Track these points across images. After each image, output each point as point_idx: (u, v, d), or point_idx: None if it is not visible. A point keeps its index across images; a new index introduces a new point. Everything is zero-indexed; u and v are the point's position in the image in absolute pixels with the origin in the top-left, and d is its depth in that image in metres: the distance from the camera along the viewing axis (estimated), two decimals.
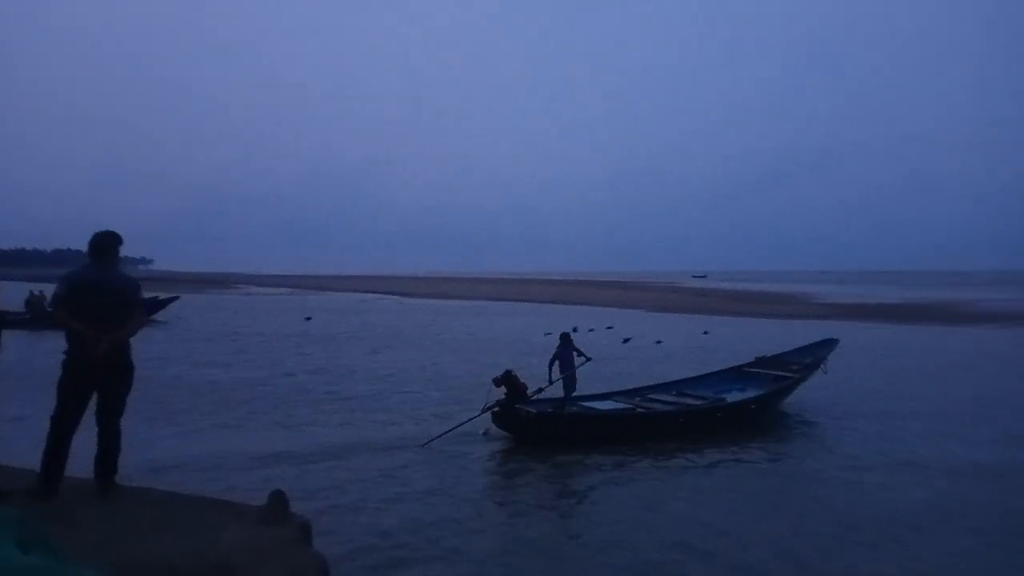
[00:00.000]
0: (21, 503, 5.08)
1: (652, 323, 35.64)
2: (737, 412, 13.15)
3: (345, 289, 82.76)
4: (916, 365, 20.91)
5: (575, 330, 27.51)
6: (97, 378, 5.78)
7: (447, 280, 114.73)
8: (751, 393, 14.07)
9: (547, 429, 11.95)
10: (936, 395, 16.27)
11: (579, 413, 12.58)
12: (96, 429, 5.93)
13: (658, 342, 26.26)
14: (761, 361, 16.01)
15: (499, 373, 12.36)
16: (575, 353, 13.11)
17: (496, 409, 11.87)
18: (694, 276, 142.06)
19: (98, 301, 5.72)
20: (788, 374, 14.95)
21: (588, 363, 13.18)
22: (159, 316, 35.90)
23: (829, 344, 16.30)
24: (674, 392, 14.24)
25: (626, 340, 26.73)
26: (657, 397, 13.83)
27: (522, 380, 12.23)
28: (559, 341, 13.35)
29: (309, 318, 36.85)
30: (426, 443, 11.40)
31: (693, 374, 15.90)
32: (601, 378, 16.25)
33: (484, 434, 12.06)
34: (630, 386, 14.66)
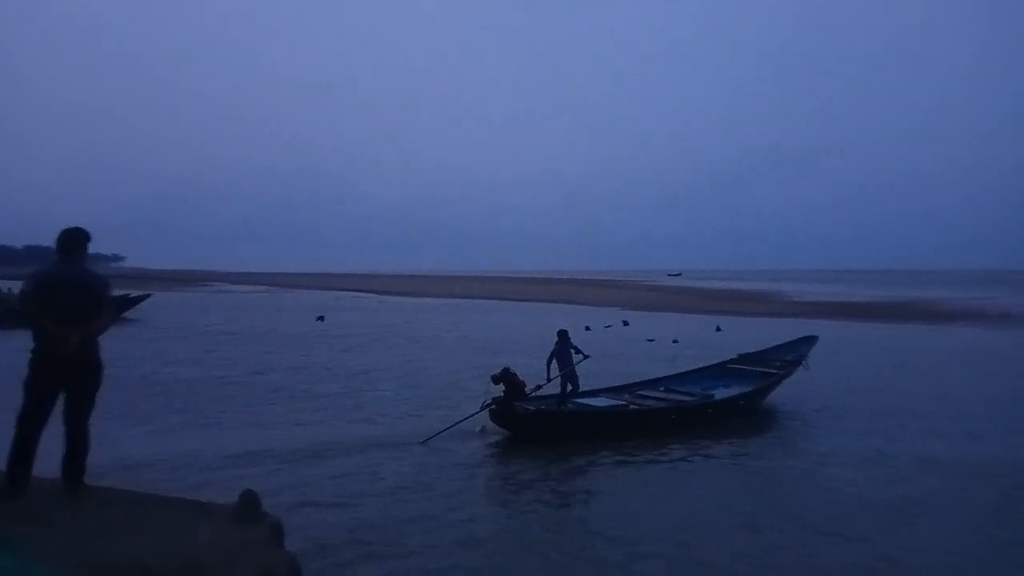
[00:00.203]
0: None
1: (647, 322, 35.64)
2: (726, 408, 13.40)
3: (322, 287, 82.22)
4: (888, 362, 21.18)
5: (588, 328, 27.90)
6: (65, 376, 5.69)
7: (425, 278, 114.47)
8: (737, 389, 14.33)
9: (544, 426, 12.05)
10: (904, 391, 16.51)
11: (576, 410, 12.70)
12: (64, 428, 5.83)
13: (675, 341, 26.07)
14: (744, 358, 16.25)
15: (497, 371, 12.45)
16: (573, 351, 13.22)
17: (493, 406, 11.95)
18: (669, 275, 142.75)
19: (66, 298, 5.63)
20: (771, 370, 15.25)
21: (586, 360, 13.35)
22: (130, 314, 35.44)
23: (809, 341, 16.65)
24: (661, 388, 14.46)
25: (650, 340, 26.42)
26: (646, 393, 14.04)
27: (520, 378, 12.33)
28: (557, 338, 13.43)
29: (321, 318, 36.00)
30: (425, 440, 11.43)
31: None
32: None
33: (481, 431, 12.12)
34: (618, 383, 14.80)
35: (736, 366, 15.90)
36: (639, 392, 14.13)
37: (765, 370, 15.37)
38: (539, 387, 12.75)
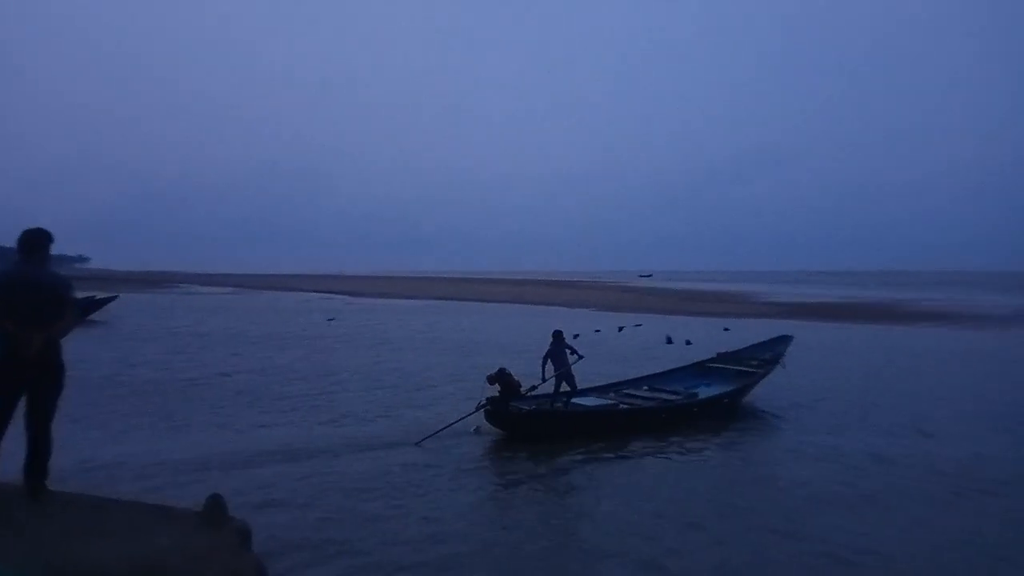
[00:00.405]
0: None
1: (649, 323, 35.75)
2: (711, 406, 13.69)
3: (292, 288, 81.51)
4: (855, 363, 21.51)
5: (597, 331, 27.93)
6: (27, 378, 5.59)
7: (397, 279, 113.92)
8: (720, 388, 14.63)
9: (538, 426, 12.12)
10: (868, 391, 16.82)
11: (569, 410, 12.81)
12: (26, 431, 5.73)
13: (688, 343, 25.86)
14: (722, 357, 16.61)
15: (493, 371, 12.52)
16: (568, 351, 13.28)
17: (488, 407, 12.01)
18: (640, 276, 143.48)
19: (28, 299, 5.55)
20: (750, 369, 15.62)
21: (580, 360, 13.48)
22: (96, 316, 34.91)
23: (785, 340, 17.06)
24: (645, 387, 14.73)
25: (669, 342, 26.20)
26: (632, 392, 14.31)
27: (516, 378, 12.41)
28: (551, 339, 13.49)
29: (332, 319, 35.56)
30: (419, 441, 11.42)
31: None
32: None
33: (475, 431, 12.16)
34: (602, 382, 14.92)
35: (715, 365, 16.21)
36: (625, 391, 14.35)
37: (743, 368, 15.72)
38: (534, 387, 12.86)
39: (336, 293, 71.33)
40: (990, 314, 44.29)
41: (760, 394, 15.39)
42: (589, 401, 13.32)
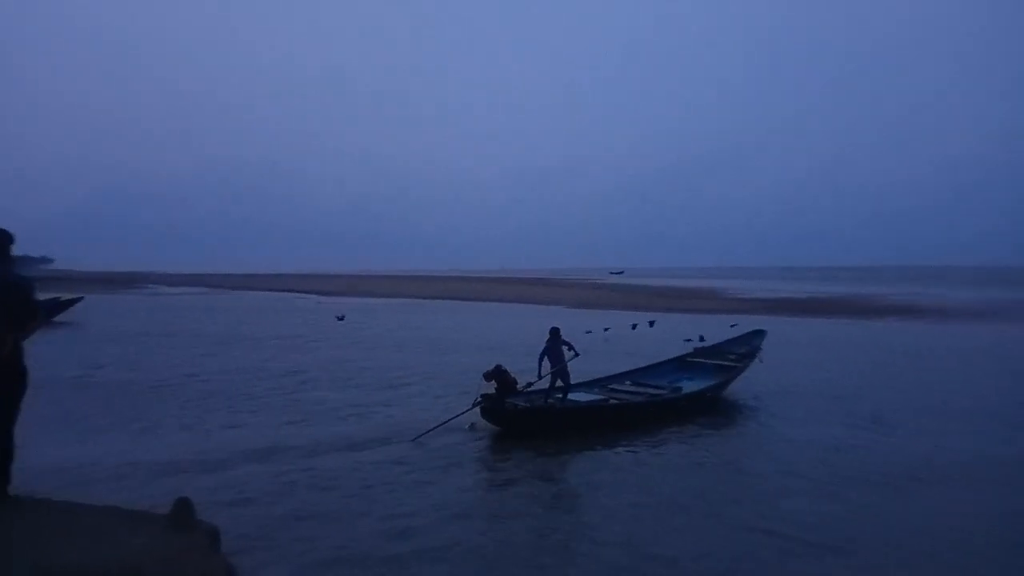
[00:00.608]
0: None
1: (641, 320, 35.85)
2: (697, 400, 14.12)
3: (261, 288, 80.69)
4: (824, 356, 21.82)
5: (607, 330, 27.83)
6: None
7: (367, 278, 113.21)
8: (703, 382, 15.08)
9: (533, 422, 12.27)
10: (834, 383, 17.15)
11: (564, 406, 12.94)
12: None
13: (701, 339, 25.96)
14: (700, 351, 17.17)
15: (490, 367, 12.61)
16: (565, 348, 13.38)
17: (483, 403, 12.14)
18: (612, 272, 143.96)
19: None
20: (727, 363, 16.10)
21: (576, 357, 13.53)
22: (61, 317, 34.32)
23: (759, 335, 17.65)
24: (628, 382, 15.07)
25: (688, 340, 26.04)
26: (616, 387, 14.63)
27: (512, 375, 12.51)
28: (548, 336, 13.55)
29: (341, 317, 34.96)
30: (415, 438, 11.50)
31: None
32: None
33: (470, 428, 12.22)
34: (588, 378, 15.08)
35: (694, 359, 16.65)
36: (610, 386, 14.66)
37: (721, 363, 16.19)
38: (530, 384, 12.98)
39: (308, 292, 70.76)
40: (955, 308, 45.13)
41: (735, 388, 15.65)
42: (578, 396, 13.49)
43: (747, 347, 16.98)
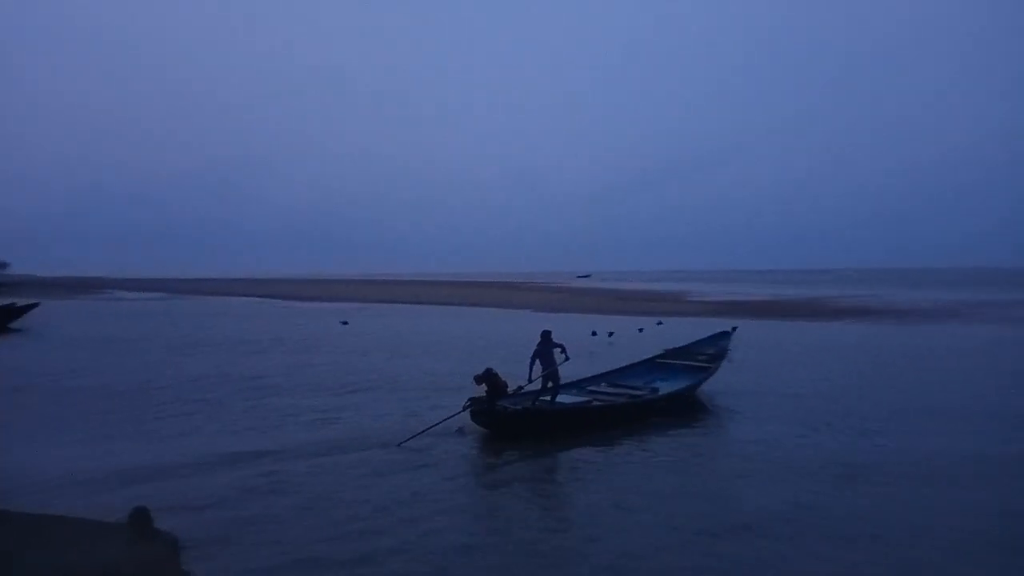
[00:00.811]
0: None
1: (636, 322, 36.01)
2: (675, 400, 14.50)
3: (224, 293, 79.74)
4: (783, 357, 22.14)
5: (611, 334, 27.75)
6: None
7: (331, 282, 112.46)
8: (677, 382, 15.54)
9: (523, 425, 12.27)
10: (789, 382, 17.35)
11: (552, 408, 13.02)
12: None
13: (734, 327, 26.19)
14: (669, 352, 17.58)
15: (480, 371, 12.63)
16: (556, 350, 13.46)
17: (473, 407, 12.19)
18: (578, 276, 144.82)
19: None
20: (697, 363, 16.65)
21: (567, 361, 13.68)
22: (16, 324, 33.63)
23: (725, 336, 18.29)
24: (603, 384, 15.39)
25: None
26: (594, 388, 14.92)
27: (503, 378, 12.56)
28: (539, 339, 13.62)
29: (345, 322, 34.89)
30: (401, 443, 11.50)
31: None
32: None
33: (458, 431, 12.24)
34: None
35: (665, 360, 17.16)
36: (589, 388, 14.96)
37: (691, 363, 16.72)
38: (521, 388, 13.06)
39: (269, 297, 70.09)
40: (909, 309, 46.16)
41: (703, 388, 16.00)
42: (560, 398, 13.60)
43: (715, 348, 17.55)
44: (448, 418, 12.24)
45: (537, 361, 13.37)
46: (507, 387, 12.63)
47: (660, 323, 33.58)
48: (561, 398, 13.61)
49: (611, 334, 28.01)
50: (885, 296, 62.13)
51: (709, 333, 18.99)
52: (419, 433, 11.80)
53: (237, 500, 8.84)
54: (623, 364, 17.13)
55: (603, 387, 15.11)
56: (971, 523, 8.26)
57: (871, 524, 8.18)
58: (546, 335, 13.64)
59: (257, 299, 67.26)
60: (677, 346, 18.17)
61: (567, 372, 14.75)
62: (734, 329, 23.41)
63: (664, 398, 14.35)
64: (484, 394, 12.35)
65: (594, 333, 28.10)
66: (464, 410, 12.27)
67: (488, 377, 12.42)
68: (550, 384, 13.48)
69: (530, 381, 13.24)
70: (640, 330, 29.31)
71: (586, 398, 14.05)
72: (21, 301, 36.45)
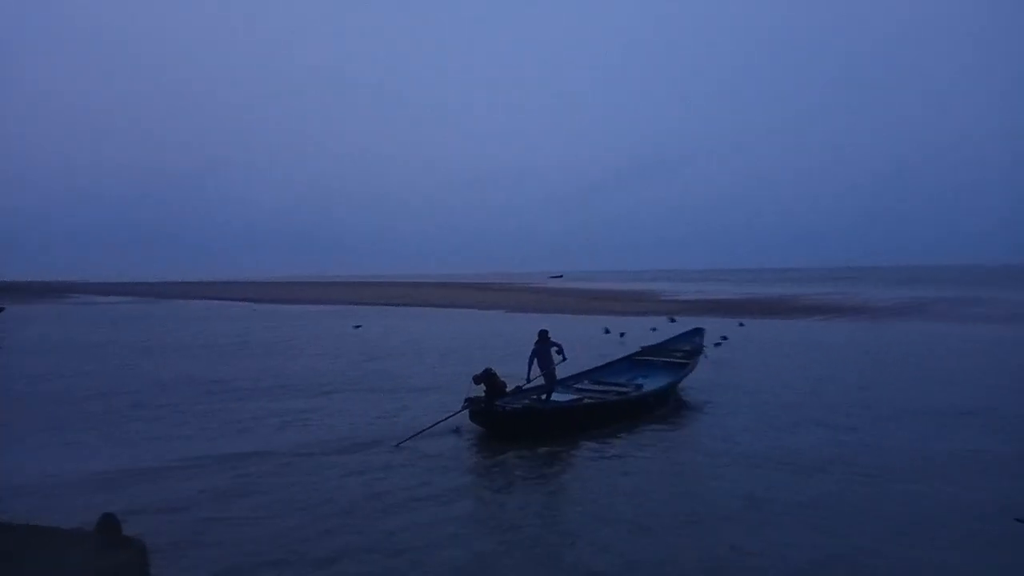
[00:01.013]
0: None
1: (655, 322, 36.03)
2: (662, 396, 14.76)
3: (193, 296, 78.80)
4: (750, 354, 22.40)
5: (622, 335, 27.71)
6: None
7: (300, 284, 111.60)
8: (660, 378, 15.87)
9: (522, 424, 12.31)
10: (760, 380, 17.54)
11: (551, 407, 13.09)
12: None
13: (724, 338, 26.43)
14: (647, 350, 18.04)
15: (479, 371, 12.68)
16: (553, 350, 13.56)
17: (472, 407, 12.26)
18: (551, 277, 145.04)
19: None
20: (676, 360, 17.12)
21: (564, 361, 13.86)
22: None
23: (699, 332, 18.85)
24: (586, 381, 15.58)
25: (718, 343, 25.53)
26: (581, 386, 15.06)
27: (501, 378, 12.65)
28: (537, 338, 13.71)
29: (359, 326, 34.52)
30: (399, 443, 11.55)
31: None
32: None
33: (455, 431, 12.29)
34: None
35: (643, 357, 17.52)
36: (575, 386, 15.11)
37: (669, 360, 17.17)
38: (519, 388, 13.18)
39: (239, 300, 69.40)
40: (878, 307, 46.88)
41: (682, 384, 16.27)
42: (555, 396, 13.67)
43: (690, 344, 18.02)
44: (447, 418, 12.33)
45: (535, 361, 13.56)
46: (506, 387, 12.76)
47: (673, 320, 33.64)
48: (554, 395, 13.69)
49: (623, 334, 28.10)
50: (856, 294, 62.98)
51: (701, 331, 19.20)
52: (417, 433, 11.89)
53: (207, 504, 8.77)
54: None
55: (588, 384, 15.25)
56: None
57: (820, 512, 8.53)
58: (543, 335, 13.77)
59: (228, 302, 66.54)
60: (653, 343, 18.47)
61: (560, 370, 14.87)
62: (741, 325, 23.78)
63: (652, 395, 14.56)
64: (481, 394, 12.45)
65: (607, 331, 28.34)
66: (463, 410, 12.36)
67: (487, 377, 12.52)
68: (554, 386, 13.66)
69: (528, 381, 13.41)
70: (653, 329, 29.17)
71: (574, 396, 14.12)
72: None
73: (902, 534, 7.92)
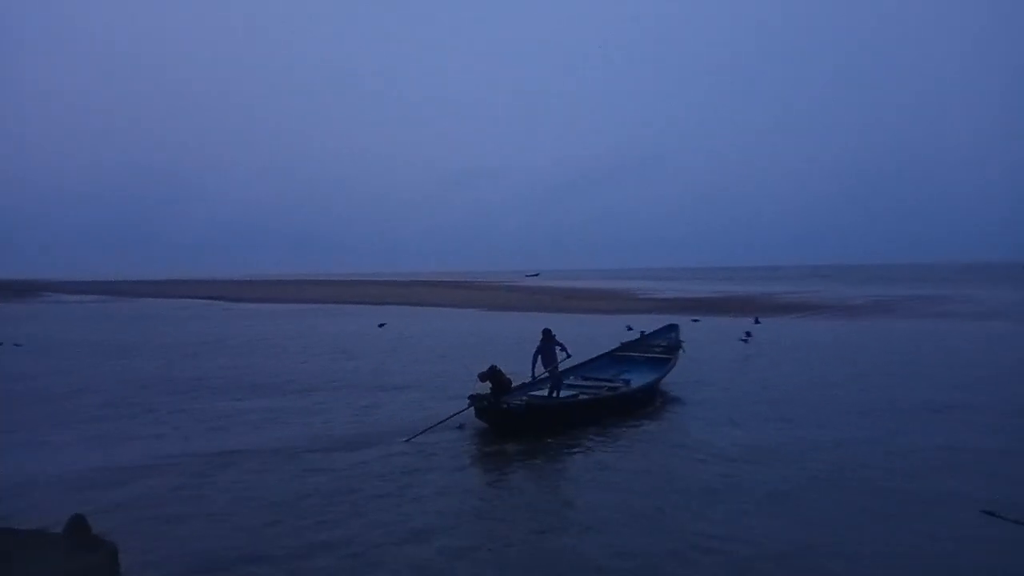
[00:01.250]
0: None
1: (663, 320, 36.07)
2: (650, 391, 15.19)
3: (166, 295, 77.94)
4: (725, 351, 22.56)
5: (642, 333, 27.43)
6: None
7: (277, 283, 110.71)
8: (645, 372, 16.35)
9: (527, 420, 12.42)
10: (733, 377, 17.86)
11: (555, 404, 13.28)
12: None
13: (747, 334, 26.50)
14: (626, 346, 18.46)
15: (484, 368, 12.78)
16: (557, 348, 13.67)
17: (477, 403, 12.38)
18: (527, 275, 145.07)
19: None
20: (655, 355, 17.58)
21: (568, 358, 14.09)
22: None
23: (674, 328, 19.40)
24: (572, 377, 15.69)
25: (744, 339, 25.75)
26: (570, 383, 15.12)
27: (507, 376, 12.76)
28: (541, 336, 13.83)
29: (383, 324, 33.92)
30: (409, 439, 11.70)
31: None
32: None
33: (459, 427, 12.44)
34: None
35: (623, 353, 17.91)
36: (564, 382, 14.96)
37: (648, 355, 17.63)
38: (524, 384, 13.41)
39: (214, 298, 68.73)
40: (851, 305, 47.42)
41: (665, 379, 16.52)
42: (542, 392, 13.74)
43: (666, 340, 18.52)
44: (455, 414, 12.52)
45: (539, 359, 13.72)
46: (511, 384, 12.91)
47: (696, 320, 33.45)
48: (542, 392, 13.78)
49: (643, 333, 28.06)
50: (830, 292, 63.64)
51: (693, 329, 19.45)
52: (427, 429, 12.04)
53: (179, 502, 8.70)
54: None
55: (576, 380, 15.40)
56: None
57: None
58: (547, 333, 13.93)
59: (202, 300, 65.89)
60: (631, 339, 18.88)
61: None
62: (757, 322, 23.82)
63: (642, 389, 14.93)
64: (486, 391, 12.56)
65: (629, 328, 28.23)
66: (469, 407, 12.51)
67: (493, 374, 12.65)
68: (560, 383, 13.79)
69: (533, 379, 13.67)
70: (628, 328, 29.26)
71: (568, 392, 14.20)
72: None
73: (873, 525, 8.04)
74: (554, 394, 13.50)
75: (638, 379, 15.76)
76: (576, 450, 11.51)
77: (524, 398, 13.22)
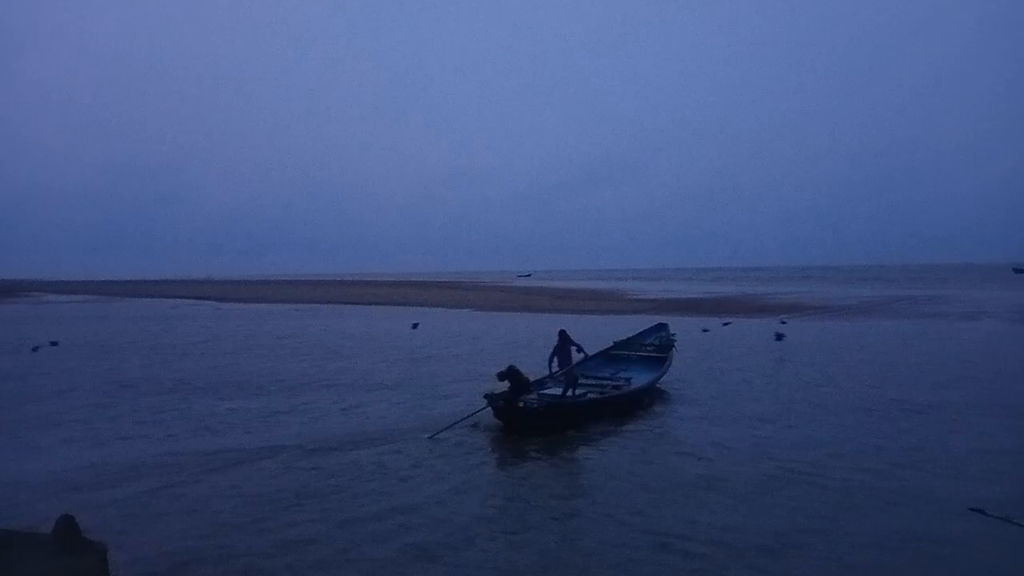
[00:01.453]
0: None
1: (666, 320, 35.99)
2: (651, 390, 15.55)
3: (155, 295, 77.62)
4: (714, 351, 22.63)
5: (673, 335, 27.29)
6: None
7: (267, 283, 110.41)
8: (643, 371, 16.66)
9: (544, 418, 12.55)
10: (721, 380, 17.78)
11: (570, 403, 13.35)
12: None
13: (779, 336, 25.91)
14: (619, 344, 18.64)
15: (503, 367, 12.90)
16: (574, 348, 13.88)
17: (495, 402, 12.50)
18: (519, 276, 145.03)
19: None
20: (649, 354, 17.99)
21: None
22: None
23: (663, 327, 19.92)
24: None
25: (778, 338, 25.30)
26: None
27: (525, 375, 12.90)
28: (558, 337, 14.02)
29: (416, 324, 32.79)
30: (432, 435, 11.90)
31: None
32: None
33: (474, 426, 12.57)
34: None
35: (617, 352, 18.18)
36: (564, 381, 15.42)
37: (642, 354, 18.04)
38: (541, 383, 13.64)
39: (204, 298, 68.49)
40: (837, 306, 47.60)
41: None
42: (554, 391, 13.82)
43: (657, 338, 19.03)
44: (473, 413, 12.69)
45: (555, 359, 13.93)
46: (529, 383, 13.04)
47: (727, 323, 32.97)
48: (551, 391, 13.82)
49: (674, 334, 27.92)
50: (816, 293, 63.88)
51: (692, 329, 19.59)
52: (448, 427, 12.20)
53: (169, 502, 8.68)
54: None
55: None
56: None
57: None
58: (563, 334, 14.10)
59: (193, 300, 65.65)
60: (623, 339, 19.05)
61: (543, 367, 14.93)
62: (783, 322, 23.90)
63: (645, 388, 15.27)
64: (502, 390, 12.70)
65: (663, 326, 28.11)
66: (486, 406, 12.64)
67: (511, 373, 12.78)
68: (576, 383, 13.94)
69: (550, 376, 13.99)
70: (705, 330, 28.98)
71: (578, 391, 14.30)
72: None
73: (861, 519, 8.16)
74: (568, 393, 13.56)
75: (636, 377, 15.96)
76: (600, 446, 11.75)
77: (537, 396, 13.32)
